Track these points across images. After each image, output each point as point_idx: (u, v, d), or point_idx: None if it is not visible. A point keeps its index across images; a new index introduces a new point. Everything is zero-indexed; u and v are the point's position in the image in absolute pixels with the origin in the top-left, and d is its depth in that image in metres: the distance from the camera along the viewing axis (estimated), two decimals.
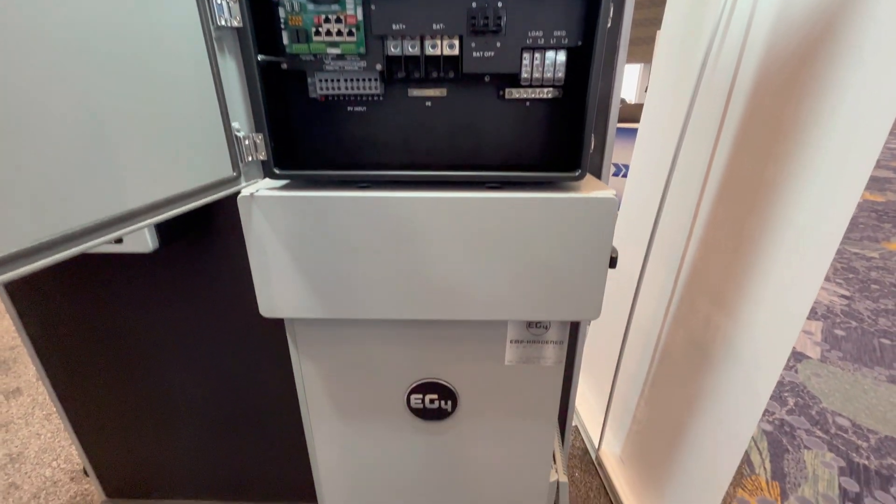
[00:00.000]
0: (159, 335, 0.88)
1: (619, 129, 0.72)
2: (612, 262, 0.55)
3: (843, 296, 2.45)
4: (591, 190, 0.53)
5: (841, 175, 0.62)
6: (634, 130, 1.27)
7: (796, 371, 1.77)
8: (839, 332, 2.06)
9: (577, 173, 0.51)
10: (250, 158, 0.51)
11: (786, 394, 1.64)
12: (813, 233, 0.66)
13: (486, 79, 0.55)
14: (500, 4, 0.48)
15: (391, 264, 0.54)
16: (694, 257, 0.94)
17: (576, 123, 0.54)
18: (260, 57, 0.47)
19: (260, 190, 0.52)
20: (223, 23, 0.45)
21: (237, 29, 0.46)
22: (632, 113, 3.49)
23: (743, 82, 0.80)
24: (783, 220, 0.72)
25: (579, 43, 0.50)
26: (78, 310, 0.87)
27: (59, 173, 0.30)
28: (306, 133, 0.58)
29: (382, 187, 0.53)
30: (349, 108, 0.57)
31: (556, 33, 0.49)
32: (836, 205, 0.62)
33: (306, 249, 0.53)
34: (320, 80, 0.54)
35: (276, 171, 0.52)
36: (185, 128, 0.42)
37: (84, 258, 0.81)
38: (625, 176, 1.99)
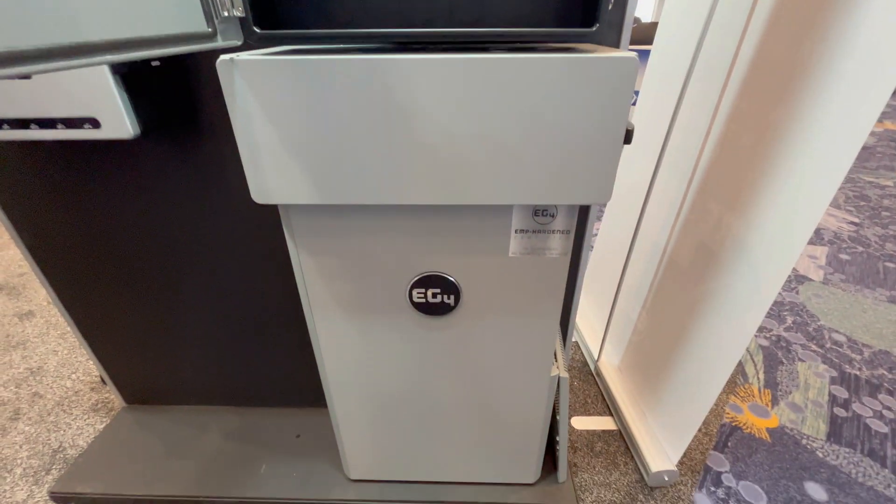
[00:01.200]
0: (155, 234, 0.87)
1: (632, 51, 0.64)
2: (628, 137, 0.51)
3: (852, 222, 2.41)
4: (607, 52, 0.47)
5: (867, 82, 0.56)
6: (648, 54, 1.15)
7: (797, 292, 1.78)
8: (844, 257, 2.05)
9: (593, 28, 0.46)
10: (226, 14, 0.45)
11: (785, 313, 1.66)
12: (838, 128, 0.61)
13: None
14: None
15: (388, 140, 0.50)
16: (709, 160, 0.90)
17: None
18: (259, 31, 0.40)
19: (241, 54, 0.47)
20: (225, 13, 0.37)
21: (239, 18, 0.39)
22: (646, 33, 3.22)
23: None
24: (809, 114, 0.66)
25: None
26: (70, 215, 0.84)
27: None
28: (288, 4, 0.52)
29: (378, 51, 0.48)
30: None
31: None
32: (863, 104, 0.57)
33: (296, 123, 0.49)
34: None
35: (257, 31, 0.46)
36: None
37: (66, 152, 0.77)
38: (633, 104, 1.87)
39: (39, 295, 1.74)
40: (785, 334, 1.54)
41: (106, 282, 0.93)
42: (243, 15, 0.46)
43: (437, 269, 0.64)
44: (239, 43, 0.48)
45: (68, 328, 1.54)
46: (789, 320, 1.62)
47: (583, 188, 0.53)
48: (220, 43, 0.46)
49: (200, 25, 0.44)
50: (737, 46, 0.81)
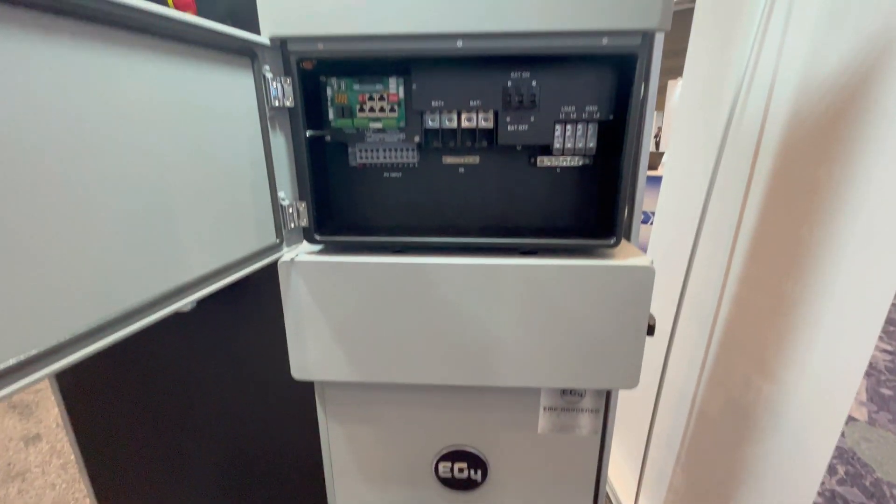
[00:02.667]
0: (188, 392, 0.88)
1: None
2: (650, 330, 0.54)
3: (887, 350, 2.31)
4: (626, 256, 0.53)
5: (885, 237, 0.60)
6: (652, 178, 1.27)
7: (843, 434, 1.65)
8: (886, 392, 1.93)
9: (611, 241, 0.51)
10: (293, 225, 0.53)
11: (835, 461, 1.52)
12: (858, 296, 0.64)
13: (519, 148, 0.57)
14: (534, 83, 0.51)
15: (425, 329, 0.53)
16: (728, 315, 0.91)
17: (607, 190, 0.55)
18: (308, 133, 0.50)
19: (300, 255, 0.53)
20: (277, 104, 0.48)
21: (289, 108, 0.49)
22: (652, 161, 3.53)
23: (770, 139, 0.80)
24: (824, 284, 0.70)
25: (611, 117, 0.52)
26: (108, 362, 0.88)
27: (123, 247, 0.31)
28: (344, 198, 0.60)
29: (417, 252, 0.54)
30: (385, 174, 0.60)
31: (588, 108, 0.51)
32: (882, 265, 0.60)
33: (342, 313, 0.54)
34: (360, 150, 0.57)
35: (317, 238, 0.54)
36: (237, 199, 0.45)
37: None
38: (648, 223, 1.98)
39: (50, 416, 1.72)
40: (839, 488, 1.39)
41: (125, 416, 0.93)
42: (307, 225, 0.53)
43: (464, 444, 0.63)
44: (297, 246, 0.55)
45: (71, 457, 1.49)
46: (841, 471, 1.47)
47: (610, 374, 0.54)
48: (283, 251, 0.52)
49: (271, 238, 0.51)
50: (738, 216, 0.88)
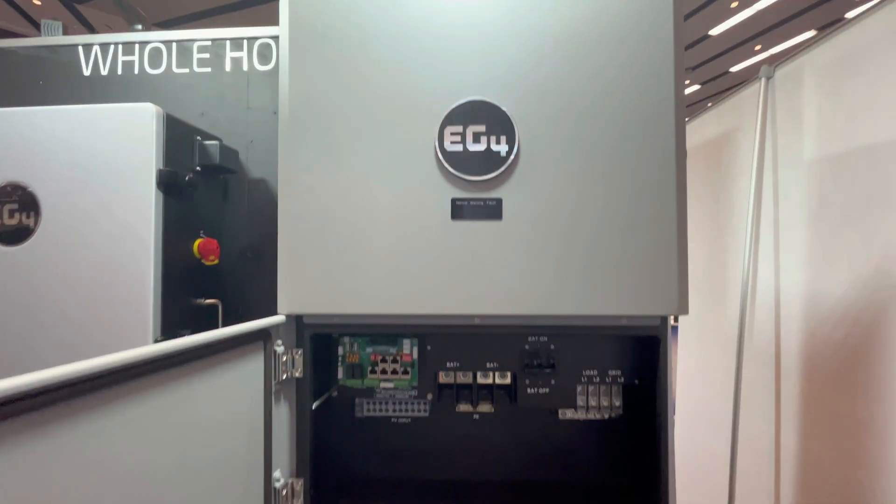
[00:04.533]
0: None
1: None
2: None
3: None
4: None
5: None
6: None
7: None
8: None
9: None
10: None
11: None
12: None
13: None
14: (552, 347, 0.49)
15: None
16: None
17: (639, 446, 0.49)
18: (315, 404, 0.47)
19: None
20: (285, 377, 0.46)
21: (297, 379, 0.47)
22: None
23: (791, 362, 0.77)
24: None
25: (636, 382, 0.49)
26: None
27: None
28: (346, 448, 0.55)
29: None
30: (393, 420, 0.55)
31: (611, 373, 0.49)
32: None
33: None
34: (368, 404, 0.53)
35: None
36: (228, 484, 0.39)
37: None
38: None
39: None
40: None
41: None
42: None
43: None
44: None
45: None
46: None
47: None
48: None
49: None
50: (775, 445, 0.81)
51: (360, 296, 0.45)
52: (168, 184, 0.56)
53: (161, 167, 0.55)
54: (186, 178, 0.58)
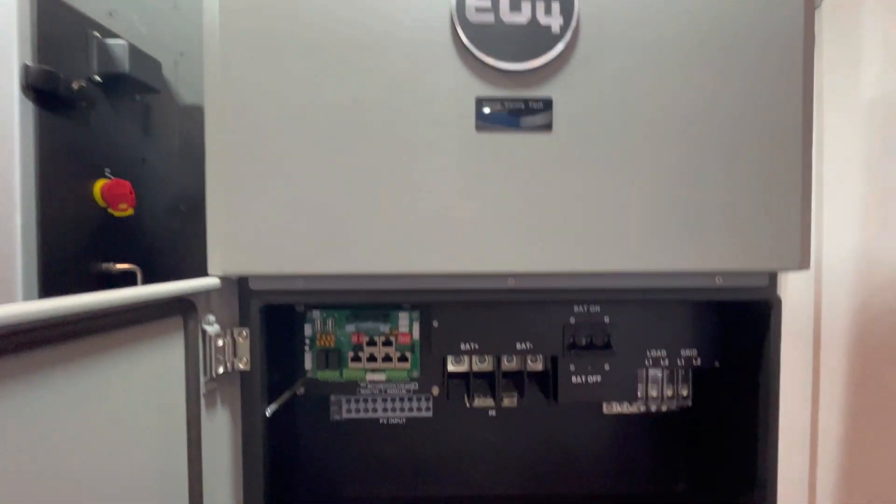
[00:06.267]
0: None
1: None
2: None
3: None
4: None
5: None
6: None
7: None
8: None
9: None
10: None
11: None
12: None
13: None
14: (606, 319, 0.36)
15: None
16: None
17: (710, 448, 0.37)
18: (270, 409, 0.31)
19: None
20: (221, 370, 0.30)
21: (242, 373, 0.31)
22: None
23: (832, 340, 0.68)
24: None
25: (716, 364, 0.37)
26: None
27: None
28: (319, 464, 0.40)
29: None
30: (382, 422, 0.41)
31: (685, 353, 0.36)
32: None
33: None
34: (348, 403, 0.39)
35: None
36: None
37: None
38: None
39: None
40: None
41: None
42: None
43: None
44: None
45: None
46: None
47: None
48: None
49: None
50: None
51: (334, 247, 0.29)
52: (43, 90, 0.37)
53: (30, 63, 0.37)
54: (75, 87, 0.40)
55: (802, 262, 0.30)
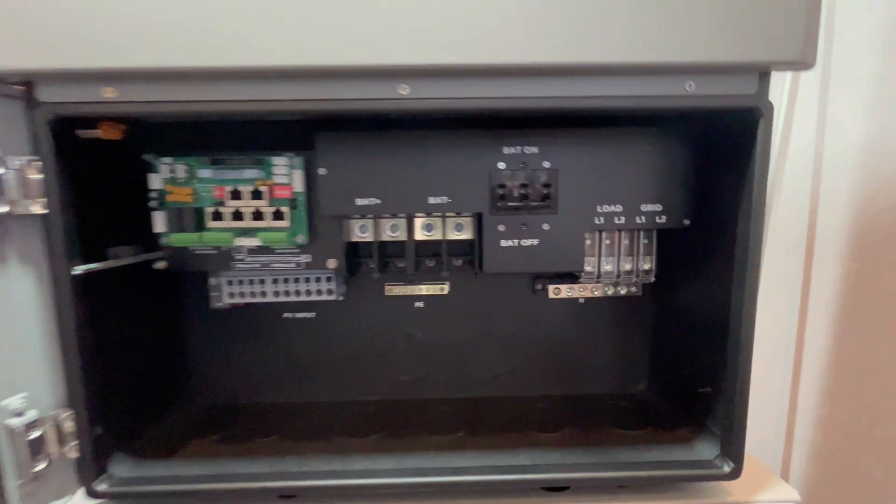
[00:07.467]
0: None
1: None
2: None
3: None
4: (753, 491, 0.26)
5: None
6: None
7: None
8: None
9: (725, 468, 0.25)
10: (44, 465, 0.24)
11: None
12: None
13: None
14: (546, 164, 0.27)
15: None
16: None
17: (682, 344, 0.30)
18: (80, 269, 0.23)
19: None
20: (6, 208, 0.22)
21: (41, 216, 0.23)
22: None
23: (828, 242, 0.60)
24: None
25: (686, 222, 0.29)
26: None
27: None
28: (188, 373, 0.33)
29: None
30: (284, 315, 0.34)
31: (646, 208, 0.28)
32: None
33: None
34: (230, 285, 0.31)
35: (99, 490, 0.24)
36: None
37: None
38: None
39: None
40: None
41: None
42: (80, 455, 0.25)
43: None
44: None
45: None
46: None
47: None
48: None
49: None
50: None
51: (147, 37, 0.20)
52: None
53: None
54: None
55: (806, 54, 0.22)
